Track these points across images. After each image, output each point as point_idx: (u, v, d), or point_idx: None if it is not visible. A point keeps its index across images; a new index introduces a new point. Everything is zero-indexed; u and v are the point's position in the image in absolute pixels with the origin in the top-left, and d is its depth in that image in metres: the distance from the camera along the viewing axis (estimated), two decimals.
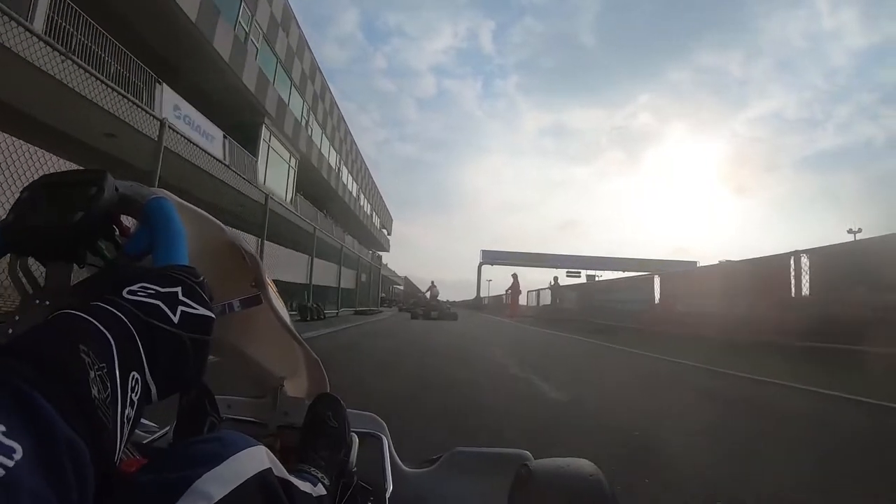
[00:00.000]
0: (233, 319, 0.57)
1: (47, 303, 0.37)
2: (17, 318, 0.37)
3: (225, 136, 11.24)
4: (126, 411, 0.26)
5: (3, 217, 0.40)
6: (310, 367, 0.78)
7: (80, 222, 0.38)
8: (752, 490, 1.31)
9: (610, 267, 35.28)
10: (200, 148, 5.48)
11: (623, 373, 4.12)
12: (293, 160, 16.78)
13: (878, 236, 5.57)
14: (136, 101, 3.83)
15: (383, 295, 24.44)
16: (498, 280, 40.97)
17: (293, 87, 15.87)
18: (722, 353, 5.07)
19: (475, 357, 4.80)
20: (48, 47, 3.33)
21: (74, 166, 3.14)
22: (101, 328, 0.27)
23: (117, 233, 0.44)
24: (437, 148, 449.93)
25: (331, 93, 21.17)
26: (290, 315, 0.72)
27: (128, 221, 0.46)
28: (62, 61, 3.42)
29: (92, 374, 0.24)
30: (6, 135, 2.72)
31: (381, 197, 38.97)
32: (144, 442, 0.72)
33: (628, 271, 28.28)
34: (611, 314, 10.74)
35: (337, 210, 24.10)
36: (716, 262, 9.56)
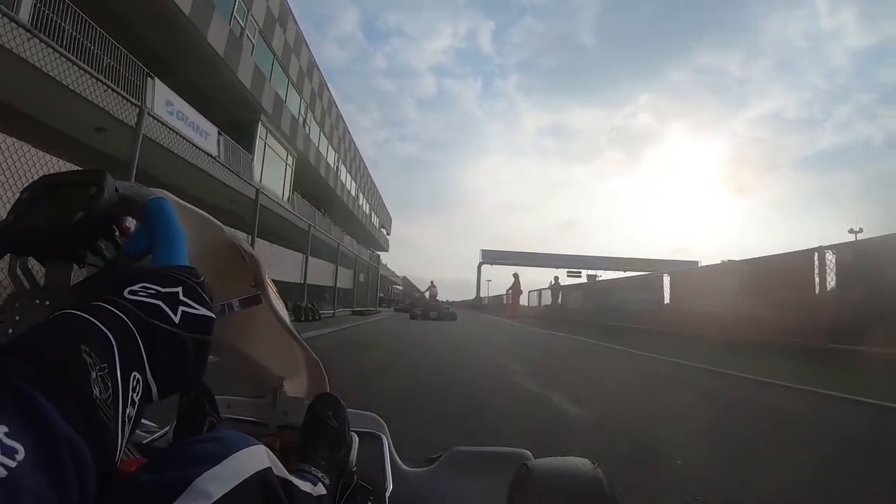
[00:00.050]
0: (232, 319, 0.57)
1: (47, 303, 0.37)
2: (16, 318, 0.37)
3: (220, 133, 11.17)
4: (127, 411, 0.26)
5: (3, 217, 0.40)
6: (309, 367, 0.78)
7: (79, 222, 0.38)
8: None
9: (611, 267, 35.31)
10: (184, 137, 5.25)
11: (679, 395, 2.91)
12: (290, 158, 16.70)
13: None
14: (112, 86, 3.59)
15: (382, 295, 24.39)
16: (498, 280, 40.93)
17: (290, 85, 15.76)
18: (754, 357, 4.41)
19: (476, 359, 4.71)
20: (28, 34, 3.19)
21: (65, 163, 3.11)
22: (103, 328, 0.27)
23: (117, 233, 0.44)
24: (437, 148, 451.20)
25: (329, 91, 21.09)
26: None
27: (127, 222, 0.46)
28: (36, 43, 3.13)
29: (93, 374, 0.24)
30: None
31: (380, 196, 38.93)
32: (144, 442, 0.72)
33: (629, 271, 28.33)
34: (618, 314, 10.46)
35: (335, 209, 24.04)
36: (717, 262, 9.35)
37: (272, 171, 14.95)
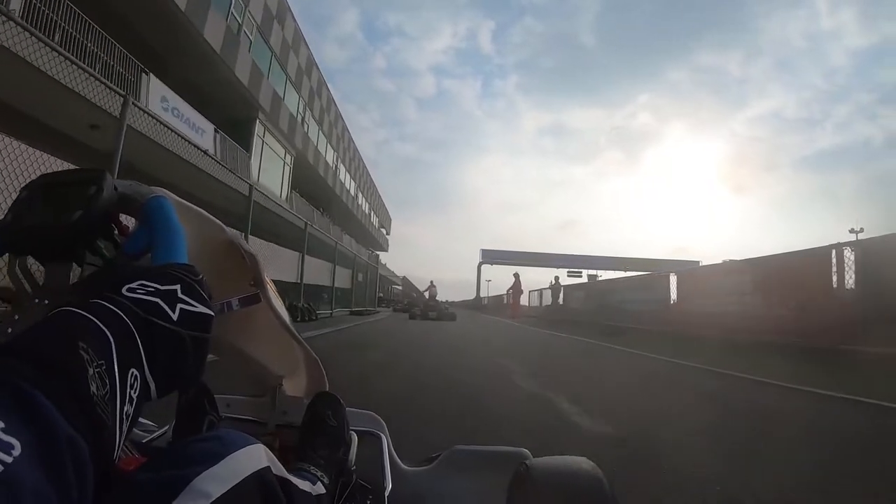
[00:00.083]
0: (232, 318, 0.57)
1: (46, 302, 0.37)
2: (16, 317, 0.36)
3: (216, 131, 11.08)
4: (125, 408, 0.26)
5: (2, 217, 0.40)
6: (309, 366, 0.78)
7: (78, 221, 0.38)
8: None
9: (611, 266, 35.30)
10: (173, 130, 5.13)
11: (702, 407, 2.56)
12: (288, 157, 16.64)
13: None
14: (97, 75, 3.53)
15: (381, 295, 24.36)
16: (498, 280, 40.94)
17: (288, 82, 15.66)
18: (776, 361, 4.15)
19: (475, 359, 4.72)
20: (18, 27, 3.13)
21: (58, 160, 3.09)
22: (101, 325, 0.27)
23: (116, 232, 0.44)
24: (437, 148, 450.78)
25: (328, 89, 21.01)
26: None
27: (127, 221, 0.46)
28: (26, 37, 3.09)
29: (91, 370, 0.24)
30: None
31: (379, 196, 38.86)
32: (144, 441, 0.71)
33: (630, 271, 28.32)
34: (622, 315, 10.31)
35: (334, 208, 23.99)
36: (718, 261, 9.27)
37: (270, 170, 14.88)
